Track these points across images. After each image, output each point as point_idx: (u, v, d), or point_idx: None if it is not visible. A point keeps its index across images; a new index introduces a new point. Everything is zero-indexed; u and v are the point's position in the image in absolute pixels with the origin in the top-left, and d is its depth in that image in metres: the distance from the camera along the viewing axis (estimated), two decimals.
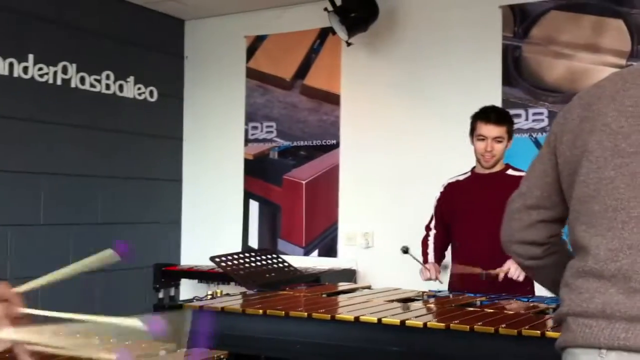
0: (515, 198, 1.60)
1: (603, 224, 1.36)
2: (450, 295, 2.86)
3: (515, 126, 3.95)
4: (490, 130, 3.16)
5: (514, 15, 4.29)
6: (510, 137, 3.24)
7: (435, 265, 3.25)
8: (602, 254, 1.35)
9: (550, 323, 2.12)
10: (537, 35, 4.23)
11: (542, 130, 4.17)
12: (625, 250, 1.32)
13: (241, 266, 3.11)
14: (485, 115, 3.20)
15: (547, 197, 1.53)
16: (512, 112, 4.12)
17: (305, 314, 2.36)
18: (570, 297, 1.40)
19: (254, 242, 5.08)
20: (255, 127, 5.16)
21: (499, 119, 3.19)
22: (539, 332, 1.99)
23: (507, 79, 4.29)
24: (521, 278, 2.94)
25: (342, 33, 4.49)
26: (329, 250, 4.82)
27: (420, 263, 3.25)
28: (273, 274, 3.17)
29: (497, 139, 3.17)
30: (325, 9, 4.46)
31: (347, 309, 2.49)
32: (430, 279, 3.21)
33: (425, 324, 2.17)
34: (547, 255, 1.58)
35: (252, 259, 3.21)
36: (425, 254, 3.33)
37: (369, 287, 3.20)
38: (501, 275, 2.98)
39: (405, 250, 3.17)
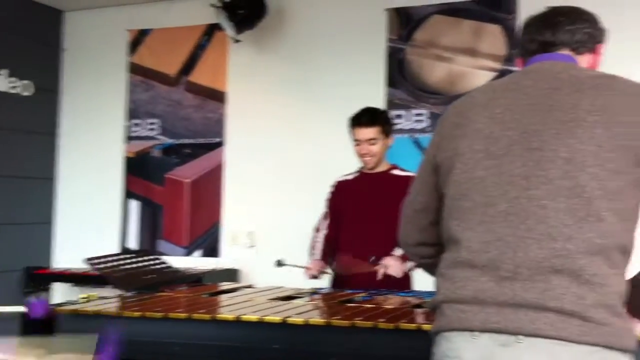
0: (406, 204, 1.74)
1: (474, 218, 1.47)
2: (335, 292, 2.88)
3: (397, 126, 4.04)
4: (362, 133, 3.22)
5: (399, 18, 4.39)
6: (387, 135, 3.27)
7: (319, 262, 3.28)
8: (475, 246, 1.46)
9: (425, 316, 2.17)
10: (420, 38, 4.34)
11: (423, 130, 4.29)
12: (495, 242, 1.43)
13: (119, 268, 3.03)
14: (357, 119, 3.25)
15: (431, 201, 1.65)
16: (394, 112, 4.22)
17: (185, 314, 2.31)
18: (445, 285, 1.51)
19: (133, 243, 4.96)
20: (137, 124, 5.02)
21: (369, 121, 3.23)
22: (415, 325, 2.04)
23: (391, 81, 4.38)
24: (399, 275, 3.04)
25: (229, 30, 4.45)
26: (212, 250, 4.77)
27: (299, 266, 3.27)
28: (152, 275, 3.10)
29: (371, 141, 3.22)
30: (213, 5, 4.40)
31: (228, 308, 2.46)
32: (314, 277, 3.24)
33: (306, 321, 2.17)
34: (440, 253, 1.65)
35: (131, 260, 3.14)
36: (312, 254, 3.35)
37: (251, 286, 3.17)
38: (381, 272, 3.04)
39: (280, 264, 3.25)
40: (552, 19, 1.61)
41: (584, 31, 1.59)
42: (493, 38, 4.17)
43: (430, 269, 1.73)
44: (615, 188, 1.39)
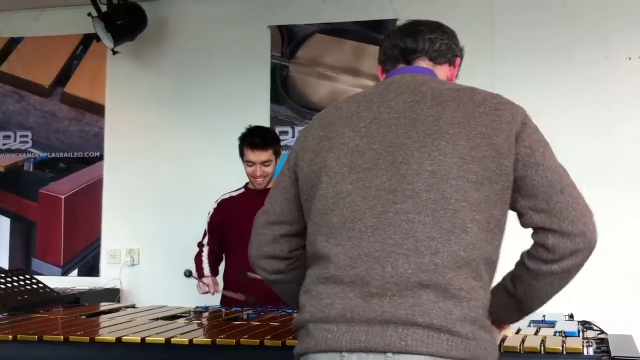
0: (260, 214, 1.69)
1: (342, 234, 1.45)
2: (220, 310, 2.86)
3: (283, 143, 4.08)
4: (257, 155, 3.25)
5: (282, 36, 4.44)
6: (278, 155, 3.35)
7: (213, 279, 3.29)
8: (342, 261, 1.43)
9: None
10: (303, 56, 4.41)
11: None
12: (362, 258, 1.41)
13: None
14: (251, 141, 3.26)
15: (287, 213, 1.62)
16: (279, 129, 4.26)
17: (62, 337, 2.21)
18: (311, 303, 1.46)
19: (4, 262, 4.67)
20: (7, 137, 4.77)
21: (264, 144, 3.27)
22: None
23: (276, 97, 4.41)
24: None
25: (107, 40, 4.32)
26: (91, 268, 4.59)
27: (198, 279, 3.28)
28: (25, 296, 2.98)
29: (265, 163, 3.27)
30: (89, 14, 4.26)
31: (109, 329, 2.37)
32: (208, 292, 3.25)
33: (191, 341, 2.13)
34: (290, 269, 1.66)
35: (2, 280, 3.01)
36: (200, 269, 3.34)
37: (133, 306, 3.09)
38: None
39: (189, 274, 3.23)
40: (413, 28, 1.66)
41: (443, 42, 1.64)
42: (373, 58, 4.28)
43: (279, 286, 1.71)
44: (478, 199, 1.40)
